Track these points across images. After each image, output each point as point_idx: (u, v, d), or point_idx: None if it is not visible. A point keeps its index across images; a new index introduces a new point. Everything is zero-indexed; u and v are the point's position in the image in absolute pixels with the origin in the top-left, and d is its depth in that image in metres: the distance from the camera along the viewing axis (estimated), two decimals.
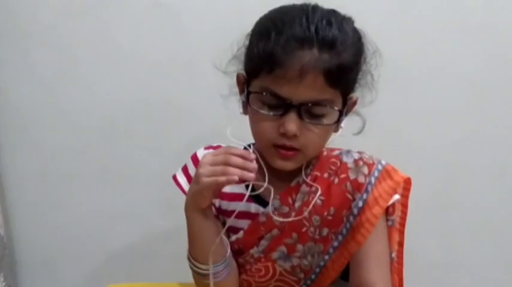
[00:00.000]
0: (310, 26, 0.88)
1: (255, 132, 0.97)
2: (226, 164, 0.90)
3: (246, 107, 0.97)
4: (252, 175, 0.90)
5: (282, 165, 0.97)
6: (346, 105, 0.96)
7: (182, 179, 1.08)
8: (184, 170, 1.10)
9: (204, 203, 0.96)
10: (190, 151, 1.12)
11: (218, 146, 1.08)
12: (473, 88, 1.54)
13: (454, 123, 1.57)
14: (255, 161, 0.91)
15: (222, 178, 0.89)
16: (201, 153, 1.09)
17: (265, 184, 0.96)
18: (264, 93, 0.91)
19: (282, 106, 0.91)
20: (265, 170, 0.98)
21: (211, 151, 1.05)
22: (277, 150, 0.95)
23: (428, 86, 1.54)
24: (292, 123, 0.90)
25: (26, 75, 1.56)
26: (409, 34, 1.50)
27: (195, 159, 1.09)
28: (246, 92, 0.95)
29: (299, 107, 0.90)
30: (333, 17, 0.91)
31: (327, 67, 0.87)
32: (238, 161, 0.91)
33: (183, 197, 1.01)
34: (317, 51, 0.87)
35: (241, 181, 0.91)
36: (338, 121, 0.94)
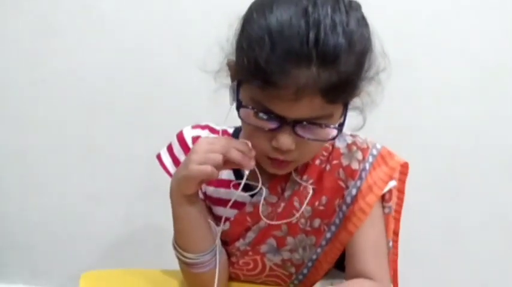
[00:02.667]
0: (310, 35, 0.75)
1: (247, 140, 0.90)
2: (224, 154, 0.86)
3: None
4: (246, 173, 0.88)
5: (275, 172, 0.93)
6: (347, 111, 0.87)
7: (167, 159, 1.03)
8: (169, 149, 1.04)
9: (190, 190, 0.91)
10: (178, 129, 1.06)
11: (206, 126, 1.03)
12: (482, 69, 1.50)
13: (460, 104, 1.53)
14: (253, 159, 0.87)
15: (214, 170, 0.86)
16: (187, 132, 1.03)
17: (259, 185, 0.91)
18: (256, 110, 0.83)
19: (276, 121, 0.83)
20: (257, 171, 0.92)
21: (198, 130, 1.02)
22: (270, 158, 0.89)
23: (433, 66, 1.51)
24: (286, 140, 0.83)
25: (1, 44, 1.51)
26: (415, 10, 1.46)
27: (181, 138, 1.03)
28: (236, 101, 0.86)
29: (294, 123, 0.82)
30: (337, 12, 0.78)
31: (325, 87, 0.78)
32: (237, 155, 0.86)
33: (169, 179, 0.97)
34: (316, 69, 0.77)
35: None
36: (335, 137, 0.87)
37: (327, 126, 0.83)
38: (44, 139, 1.58)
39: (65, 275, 1.65)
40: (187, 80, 1.46)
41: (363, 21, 0.83)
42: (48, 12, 1.48)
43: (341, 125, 0.85)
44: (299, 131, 0.83)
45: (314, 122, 0.82)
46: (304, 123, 0.82)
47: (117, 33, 1.49)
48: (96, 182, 1.61)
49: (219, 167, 0.87)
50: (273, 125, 0.83)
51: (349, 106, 0.87)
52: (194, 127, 1.04)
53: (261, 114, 0.83)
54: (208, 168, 0.86)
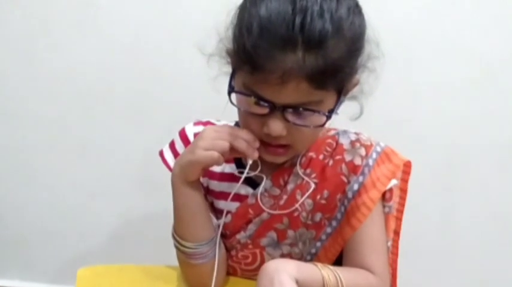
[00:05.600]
0: (296, 20, 0.77)
1: (242, 127, 0.92)
2: (230, 143, 0.88)
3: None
4: (249, 162, 0.89)
5: (271, 160, 0.93)
6: (340, 99, 0.88)
7: (169, 156, 1.04)
8: (172, 146, 1.05)
9: (193, 176, 0.92)
10: (176, 125, 1.07)
11: (207, 122, 1.04)
12: (481, 64, 1.50)
13: (459, 101, 1.53)
14: (257, 151, 0.88)
15: (220, 157, 0.88)
16: (189, 129, 1.04)
17: (258, 170, 0.93)
18: (246, 94, 0.85)
19: (265, 106, 0.84)
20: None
21: (200, 127, 1.02)
22: (265, 146, 0.90)
23: (432, 61, 1.51)
24: (276, 125, 0.85)
25: None
26: (415, 5, 1.47)
27: (183, 135, 1.04)
28: (228, 88, 0.88)
29: (283, 109, 0.84)
30: (327, 0, 0.81)
31: (311, 72, 0.79)
32: (243, 145, 0.88)
33: (168, 175, 0.97)
34: (301, 53, 0.78)
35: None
36: (324, 124, 0.87)
37: (316, 112, 0.84)
38: (41, 135, 1.58)
39: (62, 271, 1.64)
40: (184, 76, 1.46)
41: (355, 9, 0.85)
42: (44, 9, 1.48)
43: (331, 112, 0.86)
44: (289, 116, 0.84)
45: (303, 107, 0.83)
46: (294, 109, 0.83)
47: (113, 29, 1.49)
48: (93, 177, 1.61)
49: (225, 155, 0.89)
50: (263, 110, 0.85)
51: (347, 95, 0.89)
52: (196, 124, 1.05)
53: (251, 99, 0.84)
54: (215, 154, 0.88)
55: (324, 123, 0.87)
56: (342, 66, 0.82)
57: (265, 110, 0.84)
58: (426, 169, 1.56)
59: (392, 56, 1.42)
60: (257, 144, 0.88)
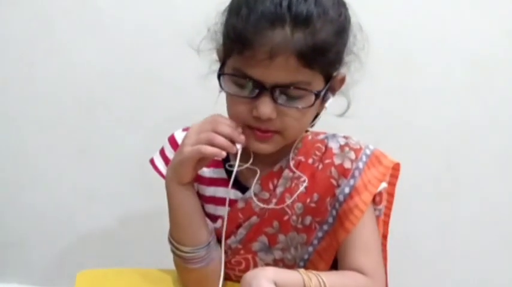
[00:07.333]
0: (283, 1, 0.83)
1: (230, 114, 0.94)
2: (213, 131, 0.89)
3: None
4: (238, 146, 0.90)
5: (258, 147, 0.93)
6: (328, 85, 0.91)
7: (160, 163, 1.05)
8: (161, 152, 1.07)
9: (186, 176, 0.94)
10: (174, 127, 1.08)
11: None
12: (479, 67, 1.50)
13: (456, 105, 1.53)
14: (243, 135, 0.90)
15: (206, 147, 0.88)
16: (178, 134, 1.05)
17: (250, 162, 0.94)
18: (236, 75, 0.88)
19: (255, 88, 0.87)
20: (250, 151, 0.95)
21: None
22: (253, 131, 0.91)
23: (430, 64, 1.51)
24: (265, 107, 0.87)
25: None
26: (410, 5, 1.47)
27: (172, 141, 1.05)
28: (217, 73, 0.91)
29: (272, 89, 0.86)
30: None
31: (299, 47, 0.83)
32: (227, 129, 0.89)
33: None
34: (289, 30, 0.83)
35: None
36: (314, 104, 0.89)
37: (305, 90, 0.87)
38: (40, 137, 1.58)
39: (61, 274, 1.63)
40: (183, 79, 1.46)
41: (341, 1, 0.90)
42: (43, 10, 1.49)
43: (319, 92, 0.88)
44: (278, 97, 0.87)
45: (292, 86, 0.86)
46: (283, 88, 0.86)
47: (113, 30, 1.50)
48: (92, 180, 1.61)
49: (221, 144, 0.89)
50: (252, 93, 0.87)
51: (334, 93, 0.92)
52: (185, 129, 1.05)
53: (241, 80, 0.87)
54: (202, 147, 0.89)
55: (313, 104, 0.89)
56: (330, 45, 0.86)
57: (254, 93, 0.86)
58: (425, 172, 1.57)
59: (392, 60, 1.42)
60: (240, 129, 0.90)
